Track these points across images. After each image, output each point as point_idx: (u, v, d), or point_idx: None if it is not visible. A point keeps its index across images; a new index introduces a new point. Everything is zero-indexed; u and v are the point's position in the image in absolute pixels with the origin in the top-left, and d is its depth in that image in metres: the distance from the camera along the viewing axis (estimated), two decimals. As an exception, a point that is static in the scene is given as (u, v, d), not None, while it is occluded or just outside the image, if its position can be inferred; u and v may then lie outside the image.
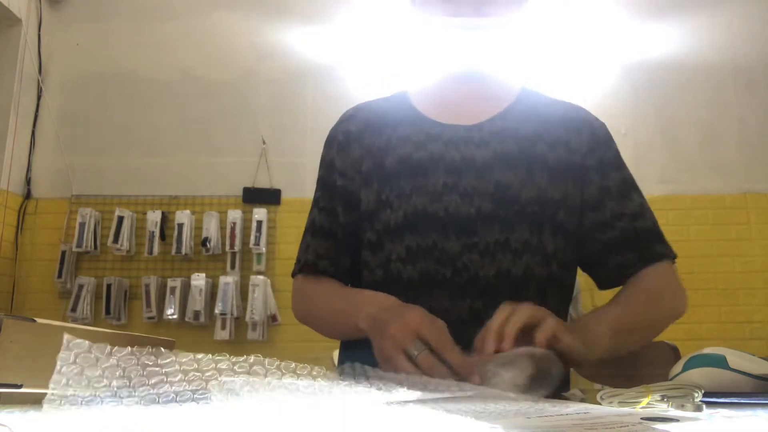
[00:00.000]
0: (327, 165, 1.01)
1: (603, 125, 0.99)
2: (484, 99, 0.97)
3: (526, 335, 0.66)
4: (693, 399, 0.47)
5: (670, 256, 0.92)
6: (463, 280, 0.86)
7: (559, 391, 0.64)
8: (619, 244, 0.91)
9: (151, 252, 2.97)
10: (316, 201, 1.01)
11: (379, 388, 0.53)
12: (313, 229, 0.99)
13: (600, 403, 0.51)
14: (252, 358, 0.51)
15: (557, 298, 0.92)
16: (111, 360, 0.46)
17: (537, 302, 0.81)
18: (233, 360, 0.50)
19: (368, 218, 0.93)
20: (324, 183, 1.01)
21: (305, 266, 0.97)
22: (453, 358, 0.65)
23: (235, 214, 3.03)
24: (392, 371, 0.65)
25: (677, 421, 0.40)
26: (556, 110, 0.98)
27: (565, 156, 0.93)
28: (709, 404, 0.48)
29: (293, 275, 1.01)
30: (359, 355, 0.72)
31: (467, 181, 0.89)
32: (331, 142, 1.03)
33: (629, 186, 0.95)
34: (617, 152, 0.97)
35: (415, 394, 0.52)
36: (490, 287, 0.85)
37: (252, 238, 2.97)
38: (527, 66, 3.01)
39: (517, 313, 0.67)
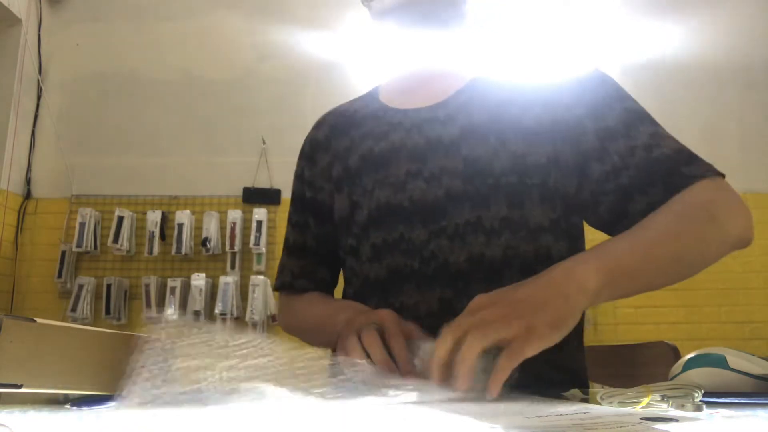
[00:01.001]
0: (297, 177, 1.02)
1: (592, 69, 0.85)
2: (446, 76, 0.90)
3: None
4: (693, 399, 0.47)
5: (706, 174, 0.73)
6: (431, 270, 0.80)
7: (563, 390, 0.64)
8: (640, 183, 0.75)
9: (151, 252, 2.97)
10: (289, 217, 1.01)
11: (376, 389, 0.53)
12: (287, 247, 1.00)
13: (600, 403, 0.51)
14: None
15: None
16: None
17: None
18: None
19: (345, 224, 0.90)
20: (295, 197, 1.02)
21: (282, 287, 0.99)
22: (394, 344, 0.63)
23: (235, 214, 3.03)
24: (344, 352, 0.65)
25: (677, 421, 0.40)
26: (533, 69, 0.88)
27: (545, 114, 0.81)
28: (709, 404, 0.48)
29: (274, 290, 1.03)
30: None
31: (434, 164, 0.83)
32: (300, 153, 1.03)
33: (636, 116, 0.79)
34: (615, 88, 0.83)
35: (411, 396, 0.52)
36: (461, 274, 0.78)
37: (252, 238, 2.97)
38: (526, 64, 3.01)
39: (466, 354, 0.53)
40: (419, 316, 0.77)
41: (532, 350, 0.54)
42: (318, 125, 1.02)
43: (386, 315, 0.68)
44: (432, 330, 0.74)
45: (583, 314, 0.86)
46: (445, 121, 0.85)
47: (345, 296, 0.94)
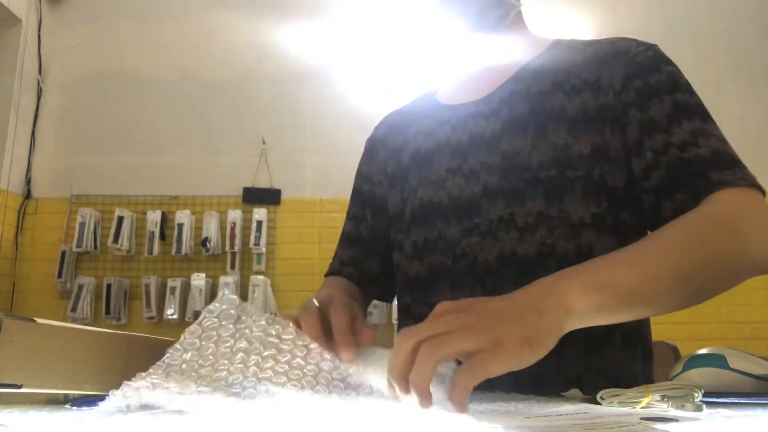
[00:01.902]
0: (357, 174, 1.03)
1: (649, 48, 0.77)
2: (495, 67, 0.86)
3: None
4: (693, 399, 0.47)
5: (737, 183, 0.66)
6: (462, 267, 0.78)
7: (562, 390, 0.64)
8: (668, 185, 0.69)
9: (151, 252, 2.97)
10: (347, 211, 1.03)
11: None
12: (342, 238, 1.02)
13: (600, 403, 0.51)
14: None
15: None
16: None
17: None
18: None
19: (396, 220, 0.92)
20: (354, 192, 1.03)
21: (330, 273, 0.99)
22: (333, 318, 0.58)
23: (235, 214, 3.03)
24: None
25: (677, 421, 0.40)
26: (586, 51, 0.81)
27: (592, 99, 0.76)
28: (709, 404, 0.48)
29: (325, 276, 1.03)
30: None
31: (474, 160, 0.81)
32: (363, 151, 1.04)
33: (684, 110, 0.72)
34: (671, 75, 0.75)
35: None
36: (491, 272, 0.76)
37: (252, 238, 2.97)
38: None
39: (417, 372, 0.46)
40: None
41: (498, 367, 0.46)
42: (378, 125, 1.04)
43: (335, 294, 0.66)
44: None
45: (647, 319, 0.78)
46: (488, 116, 0.83)
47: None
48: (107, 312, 2.91)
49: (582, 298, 0.52)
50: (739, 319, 3.00)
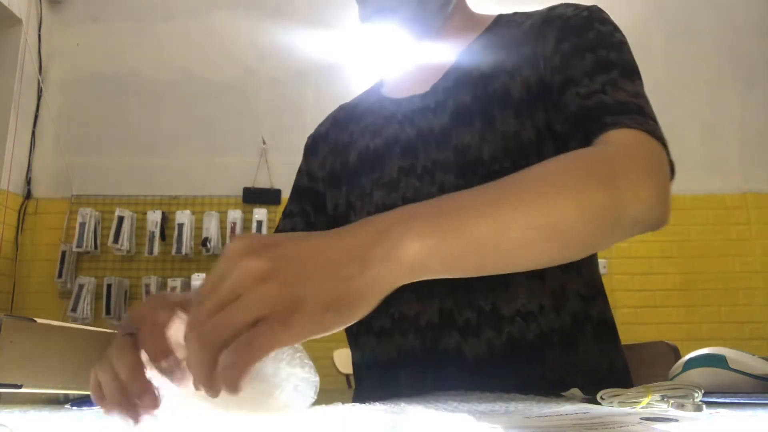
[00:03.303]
0: (298, 172, 0.98)
1: (585, 10, 0.71)
2: (438, 55, 0.81)
3: None
4: (693, 399, 0.47)
5: (629, 125, 0.59)
6: (430, 279, 0.73)
7: (562, 390, 0.64)
8: (569, 136, 0.65)
9: (151, 252, 2.97)
10: (284, 210, 0.97)
11: None
12: None
13: (600, 403, 0.51)
14: None
15: (569, 269, 0.71)
16: None
17: (532, 287, 0.68)
18: None
19: (339, 223, 0.84)
20: (293, 189, 0.98)
21: None
22: (142, 343, 0.47)
23: (235, 214, 3.04)
24: None
25: (677, 421, 0.40)
26: (525, 24, 0.76)
27: (532, 74, 0.71)
28: (709, 404, 0.48)
29: None
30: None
31: (426, 158, 0.75)
32: (304, 150, 0.99)
33: (601, 66, 0.65)
34: (601, 34, 0.68)
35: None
36: (461, 282, 0.68)
37: (252, 238, 2.98)
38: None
39: (191, 358, 0.38)
40: (420, 328, 0.72)
41: (287, 339, 0.37)
42: (322, 122, 1.00)
43: (142, 311, 0.50)
44: (434, 343, 0.70)
45: (604, 300, 0.75)
46: (435, 109, 0.77)
47: None
48: (107, 312, 2.91)
49: (421, 249, 0.42)
50: (739, 319, 3.00)
